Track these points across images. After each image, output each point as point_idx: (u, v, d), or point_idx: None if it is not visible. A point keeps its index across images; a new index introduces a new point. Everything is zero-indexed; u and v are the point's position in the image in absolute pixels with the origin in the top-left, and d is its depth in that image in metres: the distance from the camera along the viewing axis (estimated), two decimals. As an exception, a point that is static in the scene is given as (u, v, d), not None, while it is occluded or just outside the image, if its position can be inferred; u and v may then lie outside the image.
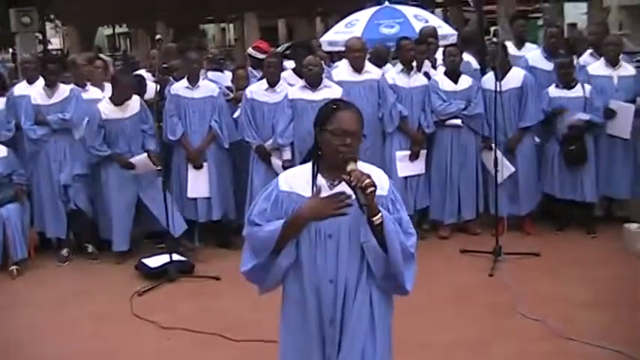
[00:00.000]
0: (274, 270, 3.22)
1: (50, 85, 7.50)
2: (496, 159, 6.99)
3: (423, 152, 7.81)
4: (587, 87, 7.64)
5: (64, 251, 7.60)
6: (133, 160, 7.28)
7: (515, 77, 7.74)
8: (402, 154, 7.71)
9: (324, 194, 3.12)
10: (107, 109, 7.25)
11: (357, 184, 2.94)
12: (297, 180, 3.22)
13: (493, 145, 7.26)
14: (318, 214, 3.09)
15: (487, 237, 7.48)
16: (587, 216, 7.87)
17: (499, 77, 6.94)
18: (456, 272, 6.73)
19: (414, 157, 7.75)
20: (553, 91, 7.75)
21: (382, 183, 3.15)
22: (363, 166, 3.13)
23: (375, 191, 2.96)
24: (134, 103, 7.35)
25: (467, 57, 8.29)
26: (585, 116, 7.52)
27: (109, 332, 5.79)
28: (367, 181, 2.93)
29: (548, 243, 7.47)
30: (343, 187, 3.06)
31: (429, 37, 8.65)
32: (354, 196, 3.00)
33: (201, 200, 7.58)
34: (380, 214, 3.01)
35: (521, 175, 7.78)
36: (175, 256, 6.97)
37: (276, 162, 7.30)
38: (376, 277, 3.14)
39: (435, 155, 7.89)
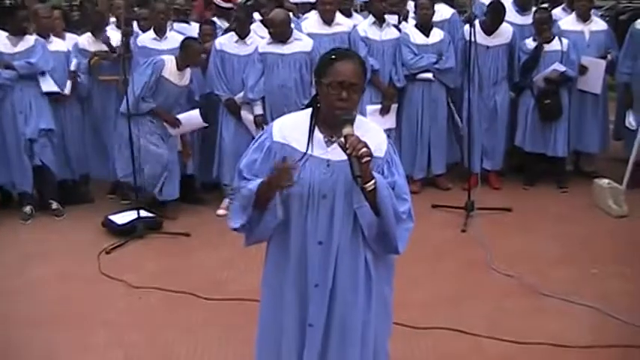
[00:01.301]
0: (261, 227, 3.06)
1: (15, 34, 7.25)
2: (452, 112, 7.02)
3: (394, 106, 7.72)
4: (565, 41, 7.58)
5: (27, 208, 7.38)
6: (180, 116, 7.11)
7: (504, 33, 7.70)
8: (372, 109, 7.61)
9: (319, 150, 2.98)
10: (169, 69, 6.92)
11: (352, 152, 2.78)
12: (292, 131, 3.06)
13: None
14: (271, 184, 2.94)
15: (458, 192, 7.48)
16: (559, 171, 7.88)
17: (474, 29, 6.83)
18: (428, 228, 6.67)
19: (384, 111, 7.65)
20: (530, 43, 7.69)
21: (380, 144, 3.03)
22: (362, 125, 3.02)
23: (370, 161, 2.81)
24: (188, 73, 7.11)
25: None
26: (561, 67, 7.48)
27: (78, 292, 5.63)
28: (363, 150, 2.78)
29: (518, 198, 7.50)
30: (337, 147, 2.90)
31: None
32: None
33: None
34: (373, 182, 2.85)
35: (499, 129, 7.78)
36: (143, 212, 6.83)
37: (247, 116, 7.17)
38: (369, 240, 3.01)
39: (406, 109, 7.81)
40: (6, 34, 7.31)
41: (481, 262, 5.83)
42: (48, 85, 7.31)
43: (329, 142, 3.00)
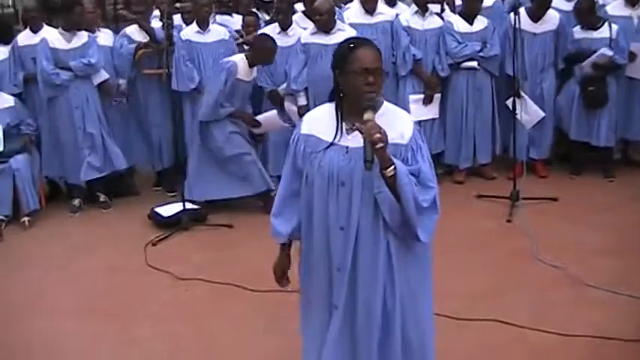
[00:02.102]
0: None
1: (69, 30, 7.29)
2: (514, 103, 6.88)
3: (437, 96, 7.68)
4: (614, 27, 7.44)
5: (76, 201, 7.52)
6: (259, 117, 7.11)
7: (551, 19, 7.59)
8: (415, 98, 7.58)
9: (340, 138, 3.06)
10: (242, 69, 6.80)
11: (366, 137, 2.84)
12: (318, 123, 3.16)
13: (520, 90, 7.14)
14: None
15: (502, 181, 7.41)
16: (606, 160, 7.76)
17: (519, 17, 6.72)
18: (472, 218, 6.65)
19: (427, 100, 7.61)
20: (578, 31, 7.58)
21: (405, 132, 3.04)
22: (389, 112, 3.09)
23: (384, 147, 2.83)
24: (256, 67, 7.03)
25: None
26: (609, 52, 7.34)
27: (124, 284, 5.71)
28: (377, 135, 2.81)
29: (564, 187, 7.40)
30: (357, 134, 2.96)
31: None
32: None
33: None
34: (392, 167, 2.86)
35: (546, 117, 7.66)
36: (188, 205, 6.89)
37: (290, 107, 7.19)
38: (391, 227, 3.03)
39: (450, 99, 7.76)
40: (57, 29, 7.37)
41: (526, 253, 5.77)
42: (99, 77, 7.43)
43: (350, 130, 3.05)
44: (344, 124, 3.07)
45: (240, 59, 6.76)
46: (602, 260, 5.63)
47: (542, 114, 7.37)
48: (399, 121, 3.06)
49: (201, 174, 7.00)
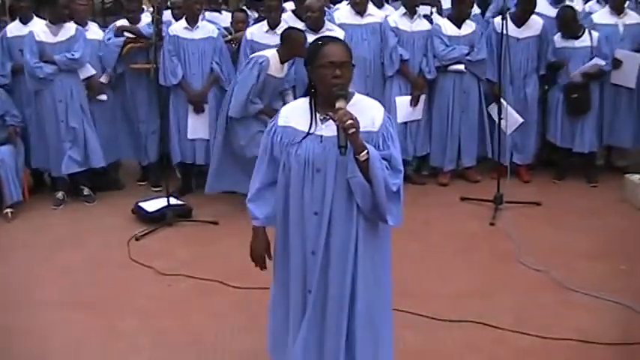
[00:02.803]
0: None
1: (55, 22, 7.25)
2: (499, 108, 6.92)
3: (423, 97, 7.70)
4: (595, 35, 7.51)
5: (59, 194, 7.50)
6: None
7: (534, 25, 7.65)
8: (401, 100, 7.60)
9: (316, 129, 3.24)
10: (273, 65, 6.61)
11: (339, 124, 3.00)
12: (294, 115, 3.33)
13: (500, 95, 7.15)
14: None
15: (487, 184, 7.44)
16: (589, 165, 7.82)
17: (506, 22, 6.77)
18: (456, 221, 6.68)
19: (414, 101, 7.64)
20: (559, 40, 7.65)
21: (375, 119, 3.24)
22: (360, 101, 3.28)
23: (356, 132, 3.00)
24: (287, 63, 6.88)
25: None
26: (601, 62, 7.41)
27: (107, 278, 5.70)
28: (348, 122, 2.98)
29: (547, 192, 7.45)
30: (331, 123, 3.13)
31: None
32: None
33: (200, 143, 7.47)
34: (365, 152, 3.04)
35: (529, 122, 7.73)
36: (173, 200, 6.89)
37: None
38: (364, 210, 3.20)
39: (437, 101, 7.79)
40: (45, 22, 7.33)
41: (509, 256, 5.81)
42: (86, 71, 7.42)
43: (323, 120, 3.23)
44: (318, 115, 3.25)
45: (272, 55, 6.60)
46: (585, 264, 5.67)
47: (521, 120, 7.41)
48: (369, 110, 3.25)
49: (221, 169, 6.94)
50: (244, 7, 8.32)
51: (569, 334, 4.52)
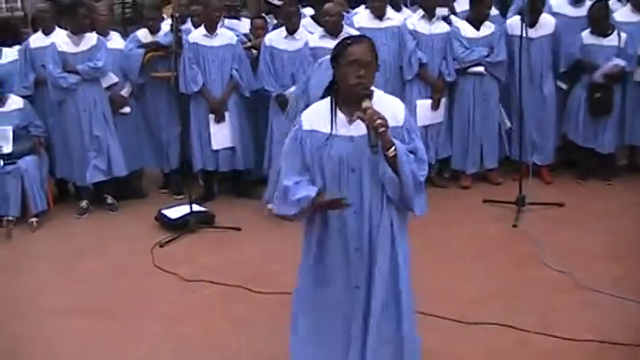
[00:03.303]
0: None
1: (76, 33, 7.32)
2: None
3: (443, 100, 7.69)
4: (623, 35, 7.44)
5: (84, 203, 7.57)
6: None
7: (546, 24, 7.60)
8: (422, 103, 7.60)
9: (344, 129, 3.30)
10: None
11: (369, 123, 3.09)
12: (317, 117, 3.38)
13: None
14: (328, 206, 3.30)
15: (508, 187, 7.41)
16: (607, 165, 7.80)
17: (528, 23, 6.75)
18: (479, 223, 6.66)
19: (435, 105, 7.64)
20: (587, 36, 7.58)
21: (397, 115, 3.34)
22: (380, 97, 3.35)
23: (386, 131, 3.10)
24: None
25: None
26: (622, 62, 7.36)
27: (131, 285, 5.75)
28: (378, 121, 3.08)
29: (570, 193, 7.40)
30: (359, 123, 3.20)
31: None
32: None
33: (223, 149, 7.51)
34: (393, 148, 3.15)
35: (547, 122, 7.70)
36: (195, 207, 6.92)
37: (298, 112, 7.20)
38: (394, 201, 3.33)
39: (457, 103, 7.77)
40: (66, 32, 7.40)
41: (532, 257, 5.78)
42: (108, 80, 7.49)
43: (351, 121, 3.29)
44: (344, 115, 3.31)
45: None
46: (607, 265, 5.62)
47: (508, 125, 7.41)
48: (390, 106, 3.33)
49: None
50: (263, 14, 8.33)
51: (592, 335, 4.49)
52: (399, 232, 3.41)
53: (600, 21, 7.47)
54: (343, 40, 3.36)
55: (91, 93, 7.34)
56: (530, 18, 7.41)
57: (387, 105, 3.30)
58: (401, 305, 3.46)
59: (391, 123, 3.18)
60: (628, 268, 5.56)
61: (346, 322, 3.47)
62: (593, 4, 7.62)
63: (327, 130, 3.32)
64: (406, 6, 8.52)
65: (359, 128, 3.22)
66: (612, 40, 7.46)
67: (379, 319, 3.42)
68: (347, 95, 3.27)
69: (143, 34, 7.76)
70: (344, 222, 3.35)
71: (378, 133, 3.08)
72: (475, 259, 5.89)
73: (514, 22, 7.56)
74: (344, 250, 3.39)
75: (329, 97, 3.37)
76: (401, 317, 3.46)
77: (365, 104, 3.15)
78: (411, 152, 3.27)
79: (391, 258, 3.40)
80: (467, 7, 7.85)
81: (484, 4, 7.58)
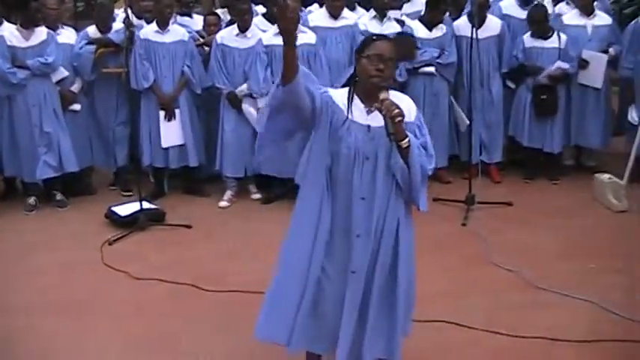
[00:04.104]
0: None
1: (27, 27, 7.20)
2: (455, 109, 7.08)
3: (395, 100, 7.73)
4: (563, 37, 7.61)
5: (32, 200, 7.45)
6: None
7: (492, 25, 7.71)
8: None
9: (361, 117, 3.42)
10: None
11: (386, 113, 3.21)
12: (339, 99, 3.46)
13: (451, 97, 7.38)
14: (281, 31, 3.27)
15: (458, 185, 7.50)
16: (553, 164, 7.94)
17: (476, 24, 6.84)
18: (428, 222, 6.61)
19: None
20: (528, 40, 7.73)
21: (410, 111, 3.46)
22: (394, 95, 3.44)
23: (402, 120, 3.24)
24: None
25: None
26: (565, 65, 7.54)
27: (80, 282, 5.68)
28: (396, 111, 3.21)
29: (518, 192, 7.53)
30: (376, 114, 3.32)
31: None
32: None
33: (174, 148, 7.48)
34: (407, 139, 3.28)
35: (495, 121, 7.83)
36: (146, 204, 6.87)
37: (248, 109, 7.18)
38: (403, 192, 3.43)
39: (408, 103, 7.81)
40: (15, 26, 7.26)
41: (481, 256, 5.85)
42: (58, 74, 7.39)
43: (369, 111, 3.42)
44: (362, 105, 3.43)
45: None
46: (555, 264, 5.73)
47: (467, 122, 7.49)
48: (403, 103, 3.40)
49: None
50: (217, 10, 8.29)
51: (540, 332, 4.56)
52: (405, 226, 3.51)
53: (539, 23, 7.62)
54: (371, 35, 3.51)
55: (41, 88, 7.23)
56: (478, 18, 7.52)
57: (400, 102, 3.38)
58: (397, 298, 3.56)
59: (405, 118, 3.32)
60: (576, 266, 5.66)
61: (337, 306, 3.51)
62: (532, 7, 7.80)
63: (342, 109, 3.44)
64: (360, 5, 8.53)
65: (377, 119, 3.34)
66: (553, 42, 7.63)
67: (376, 309, 3.53)
68: (365, 86, 3.40)
69: (93, 31, 7.66)
70: (350, 206, 3.43)
71: (395, 122, 3.21)
72: (424, 257, 5.79)
73: (462, 24, 7.69)
74: (347, 236, 3.46)
75: (348, 87, 3.50)
76: (396, 306, 3.57)
77: (382, 95, 3.29)
78: (422, 147, 3.41)
79: (394, 249, 3.50)
80: (419, 7, 7.92)
81: (440, 9, 7.67)
